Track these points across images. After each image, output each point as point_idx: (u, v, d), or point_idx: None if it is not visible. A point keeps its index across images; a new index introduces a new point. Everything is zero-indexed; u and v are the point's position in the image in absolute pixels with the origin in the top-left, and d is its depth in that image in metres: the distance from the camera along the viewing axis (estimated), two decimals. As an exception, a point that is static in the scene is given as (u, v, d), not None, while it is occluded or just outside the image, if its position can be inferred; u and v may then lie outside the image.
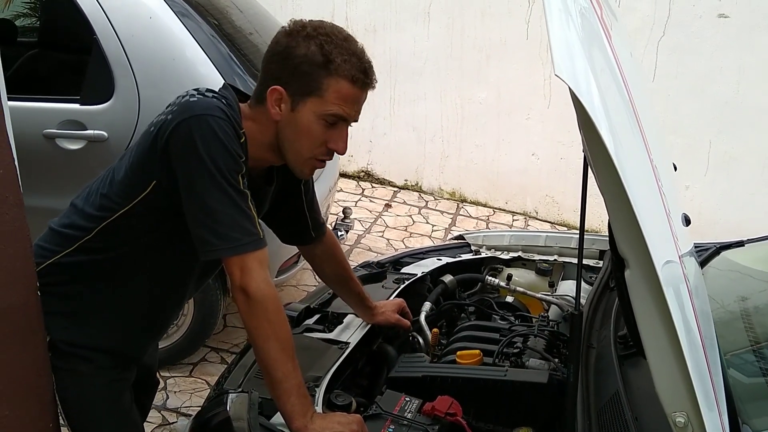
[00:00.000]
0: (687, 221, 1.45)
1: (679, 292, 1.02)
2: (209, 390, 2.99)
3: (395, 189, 5.91)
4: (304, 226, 1.88)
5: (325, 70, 1.47)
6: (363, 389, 1.98)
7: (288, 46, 1.49)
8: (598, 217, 5.55)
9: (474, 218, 5.58)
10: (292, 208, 1.84)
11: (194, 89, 1.52)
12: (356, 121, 1.57)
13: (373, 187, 5.90)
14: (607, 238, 2.48)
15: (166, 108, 1.51)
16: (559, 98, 5.43)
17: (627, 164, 0.98)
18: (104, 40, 2.79)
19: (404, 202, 5.68)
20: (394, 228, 5.17)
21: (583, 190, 1.21)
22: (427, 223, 5.36)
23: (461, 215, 5.61)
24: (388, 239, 4.94)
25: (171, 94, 2.79)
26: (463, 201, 5.85)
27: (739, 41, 4.82)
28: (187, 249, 1.58)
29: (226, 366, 3.19)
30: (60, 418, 1.63)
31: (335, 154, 1.58)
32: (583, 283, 2.37)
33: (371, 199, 5.65)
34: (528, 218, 5.74)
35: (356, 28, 5.55)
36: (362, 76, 1.49)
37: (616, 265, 1.17)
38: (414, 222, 5.33)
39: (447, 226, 5.35)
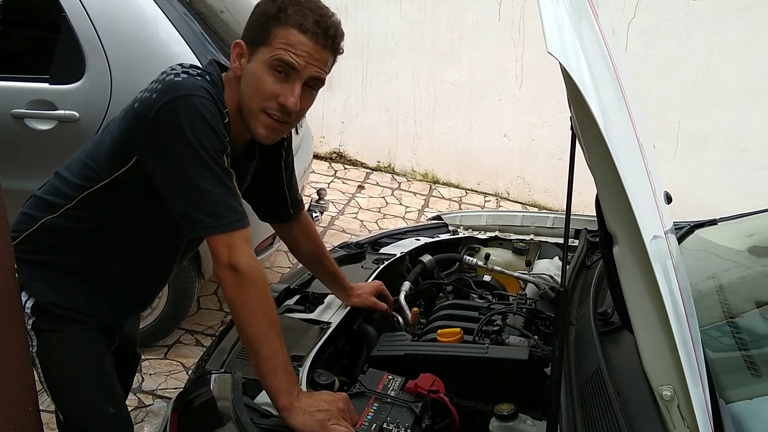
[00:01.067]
0: (668, 199, 1.48)
1: (666, 268, 1.04)
2: (184, 372, 2.99)
3: (368, 170, 5.91)
4: (283, 203, 1.89)
5: (275, 20, 1.48)
6: (343, 369, 1.98)
7: (256, 5, 1.51)
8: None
9: (447, 199, 5.60)
10: (272, 185, 1.84)
11: (179, 65, 1.51)
12: (315, 76, 1.51)
13: (345, 168, 5.89)
14: (583, 218, 2.54)
15: (150, 84, 1.50)
16: (531, 80, 5.47)
17: (616, 141, 0.99)
18: (74, 18, 2.73)
19: (377, 184, 5.68)
20: (368, 209, 5.17)
21: (570, 168, 1.22)
22: (401, 204, 5.37)
23: (434, 196, 5.63)
24: (361, 221, 4.94)
25: (144, 73, 2.77)
26: (436, 182, 5.86)
27: (707, 24, 4.88)
28: (166, 226, 1.59)
29: (201, 348, 3.19)
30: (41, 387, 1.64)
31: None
32: (559, 262, 2.40)
33: (344, 180, 5.64)
34: (500, 199, 5.77)
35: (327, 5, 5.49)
36: (313, 26, 1.47)
37: (604, 243, 1.19)
38: (387, 203, 5.34)
39: (420, 208, 5.36)
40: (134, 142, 1.48)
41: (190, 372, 3.07)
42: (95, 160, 1.57)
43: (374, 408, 1.60)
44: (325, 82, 1.58)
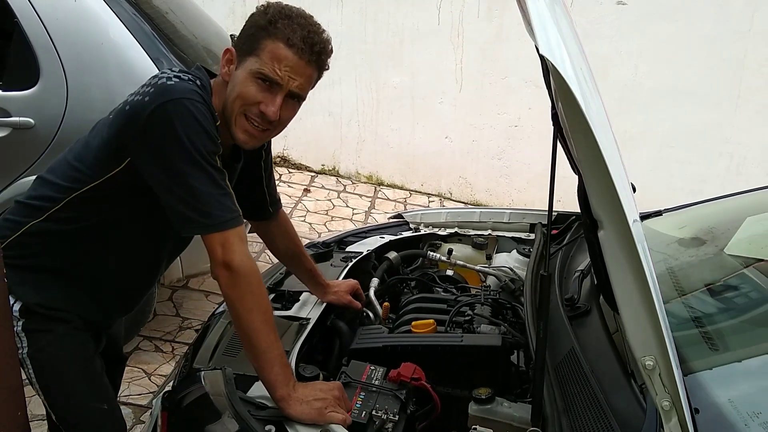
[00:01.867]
0: (633, 189, 1.59)
1: (644, 248, 1.15)
2: (147, 378, 2.99)
3: (312, 174, 5.95)
4: (262, 201, 1.94)
5: (265, 32, 1.53)
6: (318, 363, 2.04)
7: (251, 15, 1.57)
8: (509, 196, 5.81)
9: (392, 200, 5.70)
10: (252, 184, 1.89)
11: (169, 69, 1.56)
12: (296, 92, 1.56)
13: (290, 172, 5.91)
14: (536, 212, 2.66)
15: (141, 88, 1.53)
16: (470, 83, 5.63)
17: (601, 133, 1.09)
18: (26, 24, 2.70)
19: (323, 187, 5.73)
20: (315, 212, 5.21)
21: (552, 162, 1.32)
22: (347, 206, 5.43)
23: (379, 198, 5.71)
24: (310, 223, 4.98)
25: (100, 79, 2.79)
26: (381, 184, 5.95)
27: (636, 27, 5.14)
28: (155, 227, 1.62)
29: (161, 353, 3.19)
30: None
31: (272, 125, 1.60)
32: (517, 255, 2.52)
33: (289, 184, 5.66)
34: (443, 199, 5.91)
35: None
36: (300, 42, 1.52)
37: (589, 227, 1.29)
38: (334, 206, 5.39)
39: (367, 209, 5.44)
40: (127, 144, 1.51)
41: (152, 377, 3.07)
42: (83, 162, 1.59)
43: (362, 397, 1.66)
44: (307, 97, 1.64)
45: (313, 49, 1.54)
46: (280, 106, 1.55)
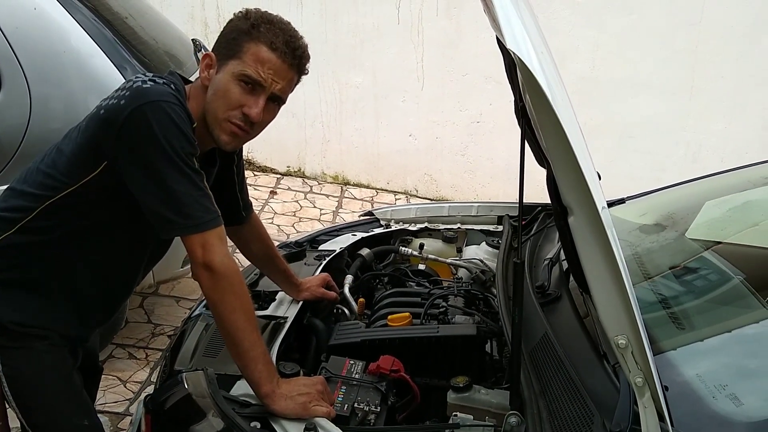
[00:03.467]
0: (599, 176, 1.65)
1: (613, 233, 1.20)
2: (122, 385, 2.98)
3: (278, 176, 5.94)
4: (235, 206, 1.94)
5: (247, 35, 1.56)
6: (295, 361, 2.06)
7: (229, 21, 1.60)
8: (473, 191, 5.88)
9: (359, 200, 5.73)
10: (225, 189, 1.89)
11: (143, 74, 1.57)
12: (278, 94, 1.59)
13: (255, 175, 5.90)
14: (503, 205, 2.72)
15: (115, 92, 1.53)
16: (432, 80, 5.69)
17: (568, 124, 1.14)
18: (-15, 33, 2.66)
19: (289, 188, 5.73)
20: (283, 214, 5.22)
21: (521, 153, 1.36)
22: (315, 207, 5.45)
23: (346, 197, 5.74)
24: (278, 225, 4.98)
25: (64, 89, 2.78)
26: (347, 184, 5.98)
27: (591, 22, 5.25)
28: (135, 230, 1.63)
29: (135, 360, 3.17)
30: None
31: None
32: (487, 247, 2.57)
33: (255, 187, 5.65)
34: (409, 197, 5.95)
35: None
36: (283, 46, 1.56)
37: (559, 214, 1.34)
38: (301, 207, 5.40)
39: (334, 209, 5.46)
40: (103, 148, 1.50)
41: (127, 384, 3.06)
42: (57, 169, 1.57)
43: (343, 390, 1.70)
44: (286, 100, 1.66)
45: (294, 53, 1.58)
46: (263, 108, 1.58)
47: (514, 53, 1.10)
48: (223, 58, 1.58)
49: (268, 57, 1.55)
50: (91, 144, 1.53)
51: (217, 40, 1.61)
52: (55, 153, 1.61)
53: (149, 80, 1.51)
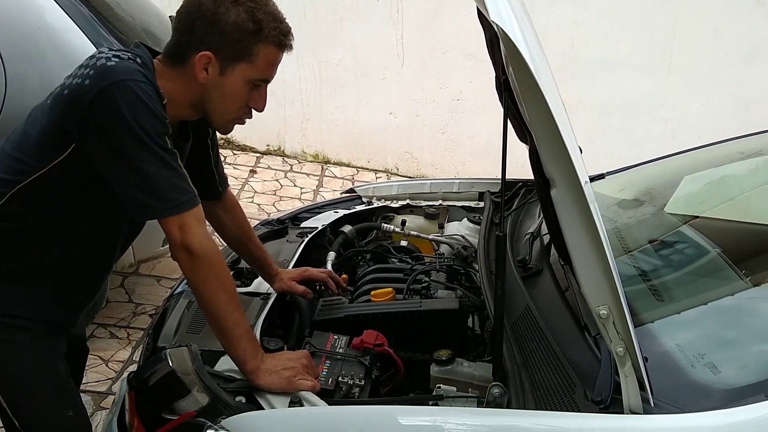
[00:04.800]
0: (580, 150, 1.66)
1: (596, 206, 1.21)
2: (104, 365, 2.97)
3: (258, 155, 5.90)
4: (211, 180, 1.91)
5: (256, 37, 1.52)
6: (280, 338, 2.07)
7: (216, 12, 1.50)
8: (454, 169, 5.89)
9: (339, 178, 5.72)
10: (201, 163, 1.84)
11: (106, 49, 1.51)
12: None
13: (234, 154, 5.86)
14: (484, 181, 2.74)
15: (78, 70, 1.48)
16: (411, 58, 5.67)
17: (551, 97, 1.15)
18: (-44, 9, 2.61)
19: (269, 167, 5.70)
20: (263, 193, 5.20)
21: (504, 126, 1.37)
22: (295, 186, 5.43)
23: (327, 176, 5.73)
24: (258, 204, 4.96)
25: (39, 65, 2.72)
26: (327, 162, 5.96)
27: (571, -1, 5.26)
28: (109, 212, 1.59)
29: (116, 340, 3.17)
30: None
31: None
32: (468, 223, 2.58)
33: (234, 166, 5.61)
34: (390, 175, 5.95)
35: None
36: (286, 40, 1.57)
37: (542, 187, 1.35)
38: (282, 186, 5.38)
39: (315, 188, 5.45)
40: (70, 130, 1.45)
41: (109, 363, 3.05)
42: (24, 152, 1.52)
43: (327, 365, 1.71)
44: None
45: (290, 39, 1.59)
46: None
47: (498, 26, 1.10)
48: (229, 60, 1.52)
49: (278, 56, 1.58)
50: (57, 126, 1.47)
51: (209, 35, 1.51)
52: (20, 135, 1.55)
53: (114, 56, 1.45)
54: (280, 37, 1.54)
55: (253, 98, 1.60)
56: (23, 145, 1.53)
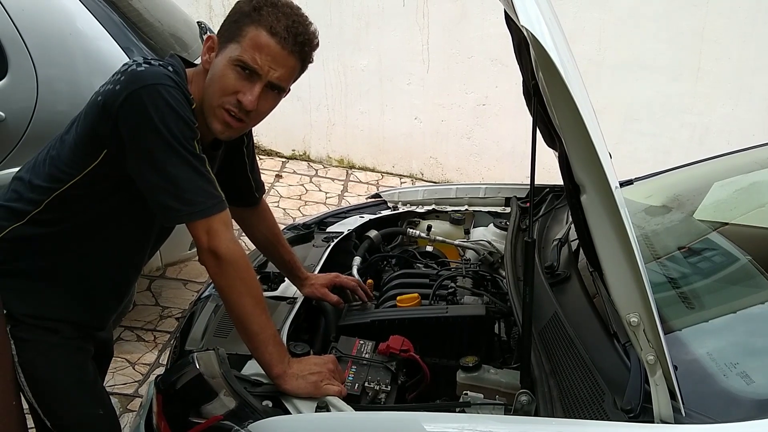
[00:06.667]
0: (610, 155, 1.65)
1: (626, 212, 1.20)
2: (131, 367, 3.00)
3: (283, 159, 5.94)
4: (248, 187, 1.93)
5: (248, 18, 1.49)
6: (305, 342, 2.07)
7: (237, 2, 1.54)
8: (479, 174, 5.88)
9: (364, 183, 5.73)
10: (236, 171, 1.87)
11: (140, 58, 1.54)
12: (276, 83, 1.52)
13: (260, 158, 5.89)
14: (511, 187, 2.72)
15: (112, 77, 1.51)
16: (437, 63, 5.66)
17: (582, 102, 1.14)
18: (-9, 15, 2.65)
19: (294, 172, 5.73)
20: (288, 197, 5.22)
21: (533, 132, 1.36)
22: (320, 190, 5.45)
23: (351, 181, 5.74)
24: (284, 209, 4.99)
25: (71, 70, 2.78)
26: (352, 167, 5.97)
27: (598, 3, 5.21)
28: (141, 216, 1.61)
29: (143, 343, 3.19)
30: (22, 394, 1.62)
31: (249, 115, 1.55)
32: (494, 228, 2.57)
33: (261, 171, 5.64)
34: (414, 180, 5.95)
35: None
36: (284, 31, 1.47)
37: (572, 193, 1.34)
38: (307, 191, 5.41)
39: (340, 193, 5.46)
40: (102, 136, 1.48)
41: (136, 366, 3.08)
42: (61, 160, 1.55)
43: (353, 370, 1.71)
44: (290, 90, 1.60)
45: (296, 40, 1.49)
46: (258, 96, 1.51)
47: (528, 31, 1.09)
48: (224, 41, 1.52)
49: (267, 42, 1.47)
50: (91, 133, 1.50)
51: (223, 22, 1.56)
52: (59, 144, 1.58)
53: (144, 62, 1.47)
54: (272, 23, 1.47)
55: (243, 89, 1.50)
56: (60, 152, 1.57)
